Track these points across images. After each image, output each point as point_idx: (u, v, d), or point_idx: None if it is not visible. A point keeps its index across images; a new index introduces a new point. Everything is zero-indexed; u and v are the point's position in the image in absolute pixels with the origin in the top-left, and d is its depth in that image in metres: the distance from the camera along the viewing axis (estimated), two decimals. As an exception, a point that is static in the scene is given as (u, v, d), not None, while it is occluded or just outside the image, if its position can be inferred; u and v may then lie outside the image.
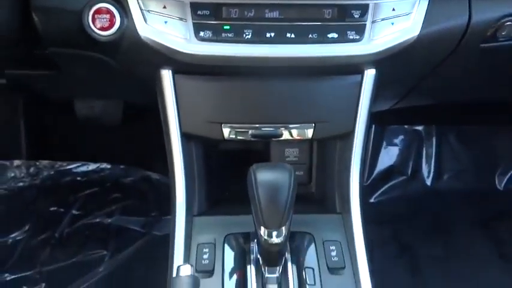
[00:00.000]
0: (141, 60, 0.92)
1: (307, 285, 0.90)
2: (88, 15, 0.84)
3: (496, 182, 1.82)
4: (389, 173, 1.84)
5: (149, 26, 0.86)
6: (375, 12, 0.88)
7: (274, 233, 0.78)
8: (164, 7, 0.86)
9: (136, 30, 0.86)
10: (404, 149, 1.87)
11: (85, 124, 1.70)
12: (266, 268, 0.88)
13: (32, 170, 1.83)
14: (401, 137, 1.87)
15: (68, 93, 1.40)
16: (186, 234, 0.97)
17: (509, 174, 1.82)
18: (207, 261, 0.92)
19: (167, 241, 1.61)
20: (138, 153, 1.86)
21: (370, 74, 0.95)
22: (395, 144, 1.88)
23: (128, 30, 0.86)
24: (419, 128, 1.87)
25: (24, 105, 1.83)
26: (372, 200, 1.79)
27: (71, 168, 1.85)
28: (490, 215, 1.71)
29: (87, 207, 1.73)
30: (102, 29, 0.85)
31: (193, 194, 1.02)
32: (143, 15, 0.86)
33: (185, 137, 0.99)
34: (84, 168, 1.85)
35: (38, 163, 1.84)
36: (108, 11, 0.85)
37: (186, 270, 0.76)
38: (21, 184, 1.81)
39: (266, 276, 0.88)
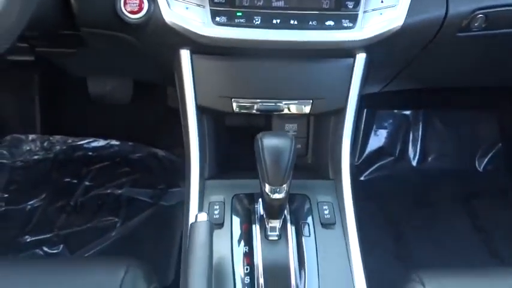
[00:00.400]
0: (164, 41, 1.00)
1: (303, 236, 1.01)
2: (120, 0, 0.94)
3: (476, 164, 1.89)
4: (379, 154, 1.90)
5: (172, 11, 0.95)
6: (366, 4, 0.97)
7: (277, 190, 0.88)
8: None
9: (161, 14, 0.95)
10: (392, 132, 1.92)
11: (96, 102, 1.80)
12: (269, 223, 0.98)
13: (46, 144, 1.88)
14: (390, 121, 1.92)
15: (88, 69, 1.47)
16: (199, 193, 1.07)
17: (488, 157, 1.90)
18: (217, 216, 1.03)
19: (174, 211, 1.73)
20: (145, 132, 1.92)
21: (361, 58, 1.05)
22: (385, 128, 1.92)
23: (154, 14, 0.95)
24: (407, 112, 1.91)
25: (39, 83, 1.88)
26: (361, 178, 1.85)
27: (82, 144, 1.89)
28: (468, 193, 1.80)
29: (99, 179, 1.78)
30: (132, 12, 0.94)
31: (204, 160, 1.11)
32: (167, 1, 0.95)
33: (199, 109, 1.08)
34: (95, 144, 1.90)
35: (51, 138, 1.89)
36: None
37: (203, 217, 0.87)
38: (36, 157, 1.85)
39: (269, 233, 0.99)
